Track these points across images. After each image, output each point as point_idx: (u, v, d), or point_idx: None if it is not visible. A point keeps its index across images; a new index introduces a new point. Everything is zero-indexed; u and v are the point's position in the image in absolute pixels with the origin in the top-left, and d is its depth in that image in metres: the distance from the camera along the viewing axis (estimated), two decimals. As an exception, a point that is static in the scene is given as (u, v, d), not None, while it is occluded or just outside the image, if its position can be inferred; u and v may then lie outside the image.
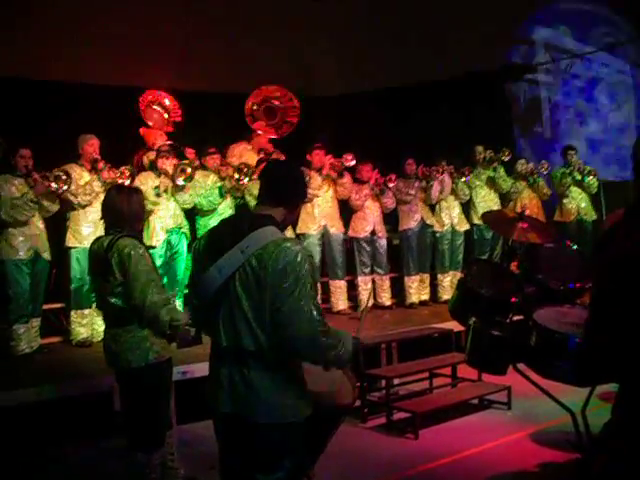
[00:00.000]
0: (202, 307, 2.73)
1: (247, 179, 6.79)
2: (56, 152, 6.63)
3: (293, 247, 2.56)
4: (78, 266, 6.29)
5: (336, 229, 7.88)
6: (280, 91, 8.01)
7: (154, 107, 7.75)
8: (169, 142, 7.08)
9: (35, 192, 5.90)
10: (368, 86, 10.88)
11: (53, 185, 5.94)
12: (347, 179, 7.90)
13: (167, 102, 7.84)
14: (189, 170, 6.59)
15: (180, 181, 6.56)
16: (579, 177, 8.92)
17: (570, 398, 4.13)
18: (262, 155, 7.53)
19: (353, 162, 7.84)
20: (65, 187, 6.00)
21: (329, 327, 2.60)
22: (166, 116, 7.81)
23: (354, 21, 10.51)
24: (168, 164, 6.64)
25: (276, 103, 7.92)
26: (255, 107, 7.91)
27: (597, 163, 9.61)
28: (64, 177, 5.99)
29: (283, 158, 7.43)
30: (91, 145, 6.44)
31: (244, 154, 7.55)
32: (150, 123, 7.57)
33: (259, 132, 7.79)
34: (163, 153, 6.65)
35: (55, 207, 6.22)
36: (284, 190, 2.76)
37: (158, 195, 6.53)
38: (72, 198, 6.26)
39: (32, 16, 8.17)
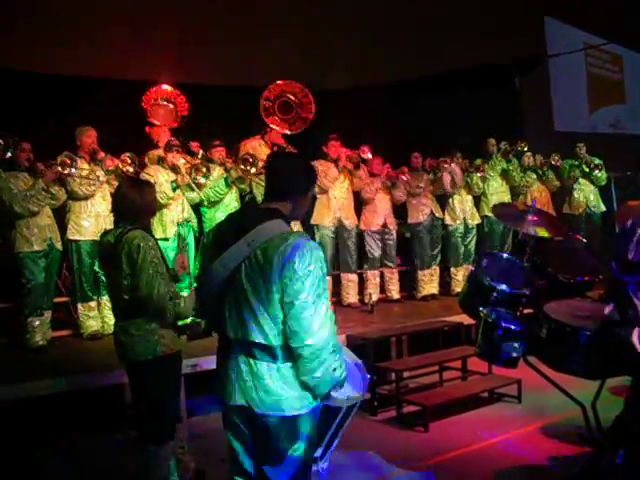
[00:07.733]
0: (209, 300, 2.72)
1: (253, 169, 6.83)
2: (54, 146, 6.55)
3: (299, 240, 2.54)
4: (80, 259, 6.31)
5: (350, 221, 7.89)
6: (296, 86, 7.98)
7: (161, 103, 7.66)
8: (174, 139, 7.07)
9: (45, 180, 5.91)
10: (380, 79, 10.84)
11: (60, 170, 5.92)
12: (363, 171, 7.92)
13: (169, 89, 7.73)
14: (204, 169, 6.72)
15: (200, 179, 6.68)
16: (587, 170, 8.91)
17: (580, 391, 4.12)
18: (275, 149, 7.52)
19: (370, 154, 7.85)
20: (73, 170, 5.97)
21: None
22: (171, 106, 7.69)
23: (367, 13, 10.46)
24: (178, 158, 6.69)
25: (292, 98, 7.90)
26: (269, 102, 7.90)
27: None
28: (69, 161, 5.98)
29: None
30: (89, 136, 6.42)
31: (257, 149, 7.54)
32: (157, 122, 7.46)
33: (272, 127, 7.77)
34: (174, 148, 6.68)
35: (63, 195, 6.21)
36: (287, 184, 2.70)
37: (175, 190, 6.58)
38: (77, 189, 6.23)
39: (35, 8, 8.12)
